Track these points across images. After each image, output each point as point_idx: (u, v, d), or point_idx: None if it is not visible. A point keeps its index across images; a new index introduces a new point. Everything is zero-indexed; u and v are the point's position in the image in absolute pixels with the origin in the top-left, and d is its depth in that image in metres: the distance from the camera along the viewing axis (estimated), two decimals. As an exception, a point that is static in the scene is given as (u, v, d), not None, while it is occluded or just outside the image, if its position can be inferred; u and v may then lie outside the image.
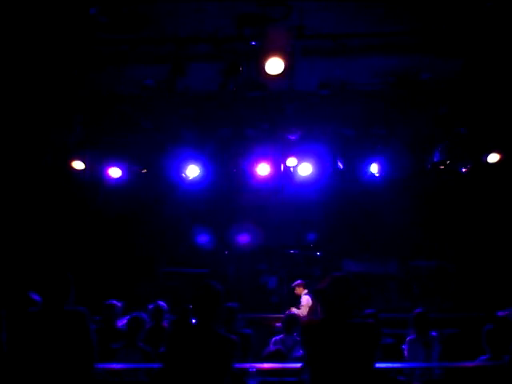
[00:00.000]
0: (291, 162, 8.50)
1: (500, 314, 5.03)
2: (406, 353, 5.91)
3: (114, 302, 6.10)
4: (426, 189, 10.16)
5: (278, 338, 6.13)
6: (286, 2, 5.13)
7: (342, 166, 8.78)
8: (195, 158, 8.49)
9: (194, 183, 8.83)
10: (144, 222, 10.45)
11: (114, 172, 8.29)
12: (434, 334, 5.91)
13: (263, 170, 8.51)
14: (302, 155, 8.46)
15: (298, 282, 9.24)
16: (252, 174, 8.67)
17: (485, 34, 5.81)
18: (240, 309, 6.07)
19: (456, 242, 10.47)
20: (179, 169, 8.60)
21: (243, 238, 10.93)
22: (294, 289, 9.32)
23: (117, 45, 6.05)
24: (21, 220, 8.66)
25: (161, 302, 6.15)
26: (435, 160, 8.66)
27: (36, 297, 4.49)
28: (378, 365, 3.31)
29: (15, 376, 3.70)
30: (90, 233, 9.86)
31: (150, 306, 6.08)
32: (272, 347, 5.78)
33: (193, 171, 8.57)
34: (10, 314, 4.44)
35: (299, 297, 9.02)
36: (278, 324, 8.65)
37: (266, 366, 4.76)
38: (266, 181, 8.82)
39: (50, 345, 3.61)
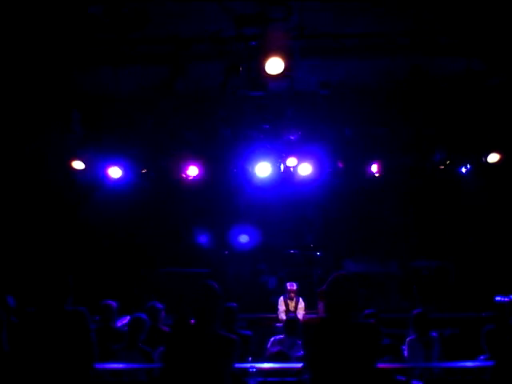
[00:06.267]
0: (291, 161, 8.50)
1: (498, 298, 4.98)
2: (406, 353, 5.90)
3: (110, 301, 6.09)
4: (426, 189, 10.16)
5: (277, 338, 6.13)
6: (285, 2, 5.12)
7: (341, 166, 8.78)
8: (195, 158, 8.49)
9: (195, 183, 8.83)
10: (144, 221, 10.45)
11: (114, 172, 8.29)
12: (434, 334, 5.90)
13: (263, 169, 8.51)
14: (302, 155, 8.47)
15: (294, 285, 8.99)
16: (252, 174, 8.67)
17: (485, 34, 5.82)
18: (240, 309, 6.06)
19: (456, 242, 10.46)
20: (179, 169, 8.60)
21: (243, 238, 10.93)
22: (286, 287, 9.05)
23: (117, 44, 6.05)
24: (21, 220, 8.66)
25: (156, 303, 6.13)
26: (435, 160, 8.66)
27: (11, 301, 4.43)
28: (378, 365, 3.30)
29: (15, 376, 3.70)
30: (89, 233, 9.85)
31: (146, 306, 6.06)
32: (274, 348, 5.77)
33: (193, 171, 8.57)
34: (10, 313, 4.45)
35: (293, 296, 8.89)
36: (279, 324, 8.65)
37: (266, 366, 4.75)
38: (265, 181, 8.82)
39: (50, 345, 3.61)
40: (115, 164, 8.24)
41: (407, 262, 10.83)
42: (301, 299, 8.84)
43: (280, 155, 8.54)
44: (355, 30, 5.91)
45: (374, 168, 8.65)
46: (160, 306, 6.02)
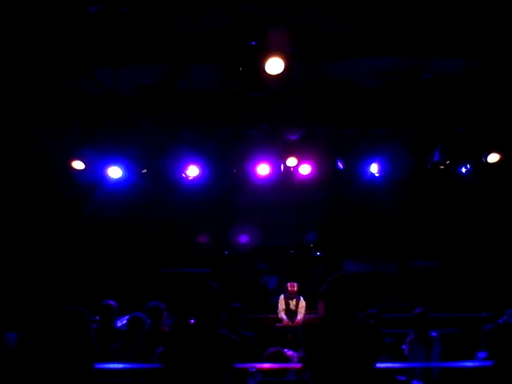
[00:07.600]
0: (291, 161, 8.50)
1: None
2: (406, 353, 5.91)
3: (110, 301, 6.09)
4: (426, 189, 10.17)
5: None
6: (285, 2, 5.13)
7: (342, 166, 8.78)
8: (195, 158, 8.48)
9: (195, 183, 8.83)
10: (144, 221, 10.45)
11: (114, 172, 8.28)
12: (434, 334, 5.90)
13: (263, 170, 8.51)
14: (302, 155, 8.47)
15: (294, 285, 8.98)
16: (252, 174, 8.67)
17: (486, 34, 5.81)
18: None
19: (456, 242, 10.47)
20: (179, 169, 8.60)
21: (243, 238, 10.93)
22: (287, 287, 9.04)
23: (117, 45, 6.04)
24: (21, 220, 8.66)
25: (159, 303, 6.12)
26: (435, 160, 8.66)
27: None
28: (378, 365, 3.30)
29: (16, 376, 3.70)
30: (89, 233, 9.86)
31: (148, 306, 6.06)
32: (272, 348, 5.76)
33: (193, 171, 8.57)
34: (10, 314, 4.45)
35: (294, 295, 8.88)
36: (278, 324, 8.65)
37: (266, 365, 4.75)
38: (266, 181, 8.82)
39: (50, 345, 3.62)
40: (115, 164, 8.24)
41: (407, 261, 10.84)
42: (302, 298, 8.83)
43: (280, 155, 8.54)
44: (355, 29, 5.91)
45: (374, 168, 8.65)
46: (163, 305, 6.02)
